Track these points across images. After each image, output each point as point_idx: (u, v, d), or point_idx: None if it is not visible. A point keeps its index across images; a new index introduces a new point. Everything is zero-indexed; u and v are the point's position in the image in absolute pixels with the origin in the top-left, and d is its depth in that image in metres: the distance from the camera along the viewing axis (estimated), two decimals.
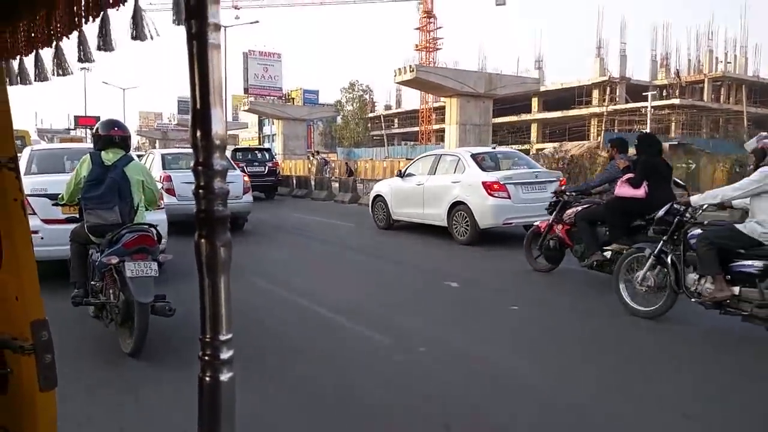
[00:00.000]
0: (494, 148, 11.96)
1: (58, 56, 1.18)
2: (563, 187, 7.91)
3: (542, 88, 38.91)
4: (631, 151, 7.10)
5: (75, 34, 1.06)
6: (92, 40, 1.02)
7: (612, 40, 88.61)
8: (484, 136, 34.06)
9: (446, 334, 4.93)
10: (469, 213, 9.38)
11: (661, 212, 5.07)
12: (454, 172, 10.01)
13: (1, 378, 1.51)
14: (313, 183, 22.55)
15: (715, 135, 43.57)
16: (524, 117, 53.76)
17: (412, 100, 64.82)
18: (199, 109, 0.75)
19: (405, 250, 9.42)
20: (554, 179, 9.76)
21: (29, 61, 1.29)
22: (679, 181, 6.36)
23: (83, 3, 0.98)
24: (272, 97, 56.34)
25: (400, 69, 32.29)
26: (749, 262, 4.41)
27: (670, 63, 52.23)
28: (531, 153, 33.94)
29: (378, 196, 11.88)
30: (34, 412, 1.47)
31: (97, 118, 44.19)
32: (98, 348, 4.53)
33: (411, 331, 5.00)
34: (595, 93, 51.15)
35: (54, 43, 1.14)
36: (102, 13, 0.96)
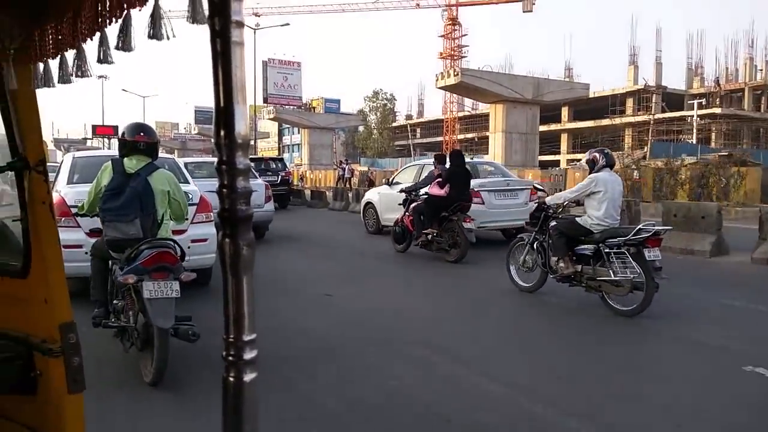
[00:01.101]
0: (472, 158, 13.57)
1: (80, 58, 1.20)
2: (407, 186, 9.82)
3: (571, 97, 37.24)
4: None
5: (96, 36, 1.08)
6: (112, 42, 1.03)
7: (645, 48, 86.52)
8: (531, 146, 32.34)
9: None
10: None
11: (532, 209, 6.68)
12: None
13: (30, 380, 1.56)
14: (330, 194, 21.27)
15: (755, 146, 41.79)
16: (554, 127, 52.11)
17: (434, 109, 63.75)
18: (223, 107, 0.74)
19: (389, 253, 9.87)
20: (525, 187, 10.59)
21: (53, 64, 1.35)
22: (537, 185, 8.38)
23: (108, 3, 1.01)
24: (291, 107, 54.88)
25: (442, 73, 30.70)
26: (585, 247, 5.80)
27: (705, 71, 50.66)
28: (560, 165, 31.98)
29: (369, 203, 12.59)
30: (63, 414, 1.50)
31: (115, 128, 43.59)
32: (116, 374, 4.06)
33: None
34: (629, 102, 49.54)
35: (77, 44, 1.16)
36: (125, 13, 0.98)
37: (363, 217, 12.82)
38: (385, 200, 11.74)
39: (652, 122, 40.70)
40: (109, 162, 4.20)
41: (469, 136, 59.79)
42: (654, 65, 48.74)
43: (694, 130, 38.71)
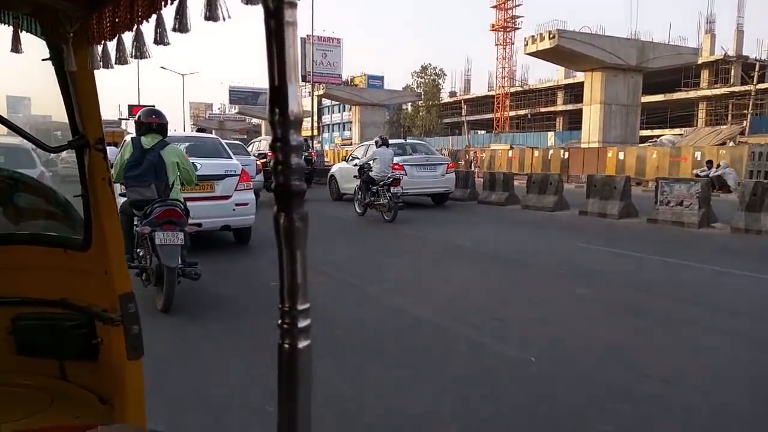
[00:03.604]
0: (405, 140, 17.93)
1: (138, 40, 1.20)
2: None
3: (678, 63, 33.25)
4: None
5: (152, 18, 1.10)
6: (168, 24, 1.07)
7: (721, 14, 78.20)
8: (632, 119, 28.77)
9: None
10: None
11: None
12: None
13: (92, 347, 1.67)
14: None
15: None
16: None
17: (480, 85, 59.98)
18: (277, 86, 0.76)
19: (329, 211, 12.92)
20: (443, 162, 13.80)
21: (111, 45, 1.34)
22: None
23: None
24: (333, 85, 51.48)
25: (533, 37, 27.13)
26: (373, 188, 11.10)
27: None
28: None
29: (332, 176, 15.96)
30: (123, 380, 1.59)
31: (152, 107, 40.99)
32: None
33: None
34: (704, 74, 45.53)
35: (135, 27, 1.17)
36: None
37: (329, 187, 16.03)
38: (344, 173, 14.71)
39: (753, 93, 36.74)
40: (129, 139, 5.44)
41: (521, 112, 56.23)
42: (735, 33, 44.52)
43: None
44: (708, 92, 44.32)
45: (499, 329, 4.49)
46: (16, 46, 1.52)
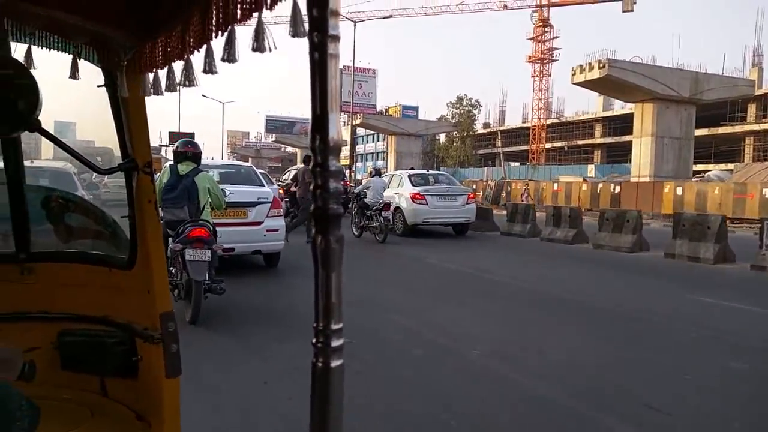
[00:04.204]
0: (428, 171, 17.74)
1: (187, 68, 1.23)
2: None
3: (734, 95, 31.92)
4: None
5: (203, 48, 1.14)
6: (217, 55, 1.10)
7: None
8: (685, 153, 27.48)
9: None
10: (403, 214, 13.76)
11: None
12: (398, 186, 14.30)
13: (132, 364, 1.71)
14: None
15: None
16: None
17: (515, 117, 59.10)
18: (319, 114, 0.78)
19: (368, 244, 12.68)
20: (463, 193, 14.30)
21: (162, 73, 1.39)
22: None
23: (214, 19, 1.05)
24: (368, 114, 51.22)
25: (581, 66, 26.28)
26: (368, 212, 12.42)
27: None
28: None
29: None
30: (161, 397, 1.63)
31: (192, 134, 41.52)
32: None
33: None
34: (752, 108, 44.01)
35: (185, 56, 1.20)
36: (229, 27, 1.03)
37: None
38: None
39: None
40: (167, 166, 5.95)
41: (558, 144, 54.99)
42: None
43: None
44: (756, 127, 42.78)
45: (667, 427, 3.46)
46: (74, 73, 1.61)
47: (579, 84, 26.61)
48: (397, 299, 6.78)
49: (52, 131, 1.57)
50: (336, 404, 0.83)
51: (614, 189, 25.26)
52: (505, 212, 20.71)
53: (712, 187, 21.88)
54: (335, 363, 0.82)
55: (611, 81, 25.35)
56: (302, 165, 13.00)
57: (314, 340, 0.83)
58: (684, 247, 10.07)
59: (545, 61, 54.66)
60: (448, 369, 4.39)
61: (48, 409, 1.63)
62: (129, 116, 1.59)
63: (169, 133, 45.26)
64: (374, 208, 12.24)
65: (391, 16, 32.25)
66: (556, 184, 28.63)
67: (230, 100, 79.01)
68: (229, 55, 1.03)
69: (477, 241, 13.45)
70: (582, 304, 6.74)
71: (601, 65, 25.11)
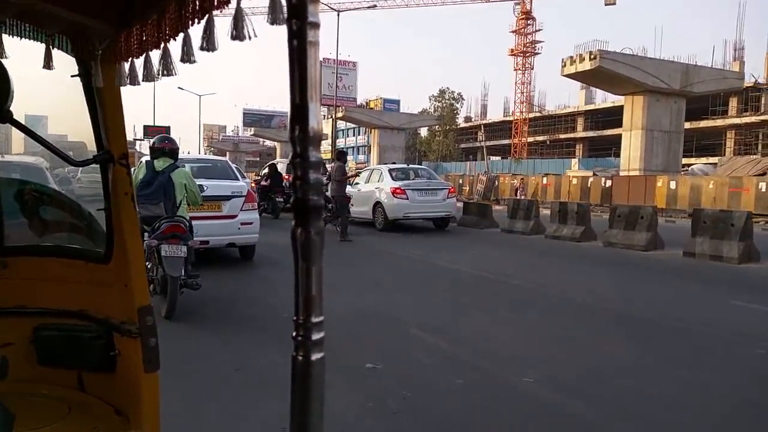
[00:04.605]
0: (408, 165, 17.92)
1: (165, 58, 1.20)
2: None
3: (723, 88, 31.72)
4: None
5: (179, 36, 1.10)
6: (195, 43, 1.05)
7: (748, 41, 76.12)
8: (675, 146, 27.17)
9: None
10: (383, 209, 13.55)
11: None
12: (378, 181, 14.14)
13: (110, 359, 1.69)
14: None
15: None
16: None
17: (496, 111, 58.53)
18: (299, 104, 0.76)
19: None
20: (444, 187, 14.18)
21: (138, 63, 1.34)
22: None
23: (190, 7, 1.02)
24: (349, 107, 50.20)
25: (572, 58, 25.73)
26: (329, 206, 12.15)
27: None
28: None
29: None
30: (139, 392, 1.60)
31: (167, 128, 40.07)
32: None
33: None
34: (733, 102, 44.18)
35: (162, 45, 1.17)
36: (207, 15, 0.99)
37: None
38: (355, 198, 14.42)
39: None
40: (143, 161, 6.03)
41: (540, 138, 54.63)
42: (765, 60, 43.27)
43: None
44: (737, 120, 42.94)
45: None
46: (48, 63, 1.57)
47: (569, 76, 26.10)
48: (412, 309, 6.00)
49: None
50: (316, 398, 0.82)
51: (605, 183, 24.84)
52: (498, 208, 20.01)
53: (707, 180, 21.55)
54: (316, 356, 0.81)
55: (602, 72, 24.87)
56: (334, 162, 12.70)
57: (294, 334, 0.81)
58: (705, 245, 9.46)
59: (528, 54, 54.29)
60: (501, 404, 3.62)
61: (25, 404, 1.63)
62: (104, 107, 1.57)
63: (144, 126, 43.73)
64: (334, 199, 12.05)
65: (375, 6, 31.27)
66: (545, 178, 28.14)
67: (206, 92, 77.08)
68: (208, 43, 1.00)
69: (479, 239, 12.74)
70: (622, 313, 6.04)
71: (592, 56, 24.61)
